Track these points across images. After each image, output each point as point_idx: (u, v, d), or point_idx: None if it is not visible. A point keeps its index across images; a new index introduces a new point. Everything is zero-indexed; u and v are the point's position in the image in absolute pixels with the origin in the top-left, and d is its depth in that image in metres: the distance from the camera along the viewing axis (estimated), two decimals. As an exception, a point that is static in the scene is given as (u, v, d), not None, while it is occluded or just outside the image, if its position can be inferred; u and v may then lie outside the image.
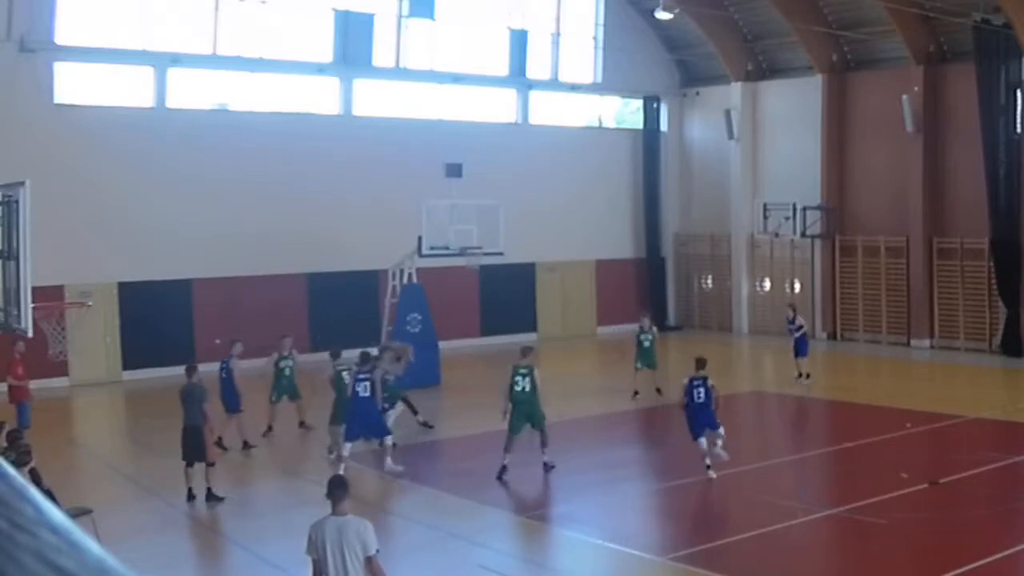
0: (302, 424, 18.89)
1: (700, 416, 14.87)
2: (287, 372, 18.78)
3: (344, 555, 7.65)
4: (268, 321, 26.53)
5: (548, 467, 15.38)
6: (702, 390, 14.95)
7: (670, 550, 12.13)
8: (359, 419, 15.35)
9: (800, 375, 23.38)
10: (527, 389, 15.30)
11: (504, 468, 15.08)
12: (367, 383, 15.42)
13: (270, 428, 18.46)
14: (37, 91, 23.74)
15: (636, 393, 21.56)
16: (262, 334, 26.49)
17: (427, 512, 13.80)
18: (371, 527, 7.90)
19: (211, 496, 14.10)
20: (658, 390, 21.40)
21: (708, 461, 14.75)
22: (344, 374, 16.22)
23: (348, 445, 15.24)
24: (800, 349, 23.50)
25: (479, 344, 29.54)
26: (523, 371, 15.44)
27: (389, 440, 15.61)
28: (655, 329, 22.85)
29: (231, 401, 17.43)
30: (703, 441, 14.80)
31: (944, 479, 14.50)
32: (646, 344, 21.77)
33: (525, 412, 15.31)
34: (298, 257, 27.02)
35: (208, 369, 23.44)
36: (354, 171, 27.79)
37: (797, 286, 31.63)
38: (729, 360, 27.30)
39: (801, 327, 23.56)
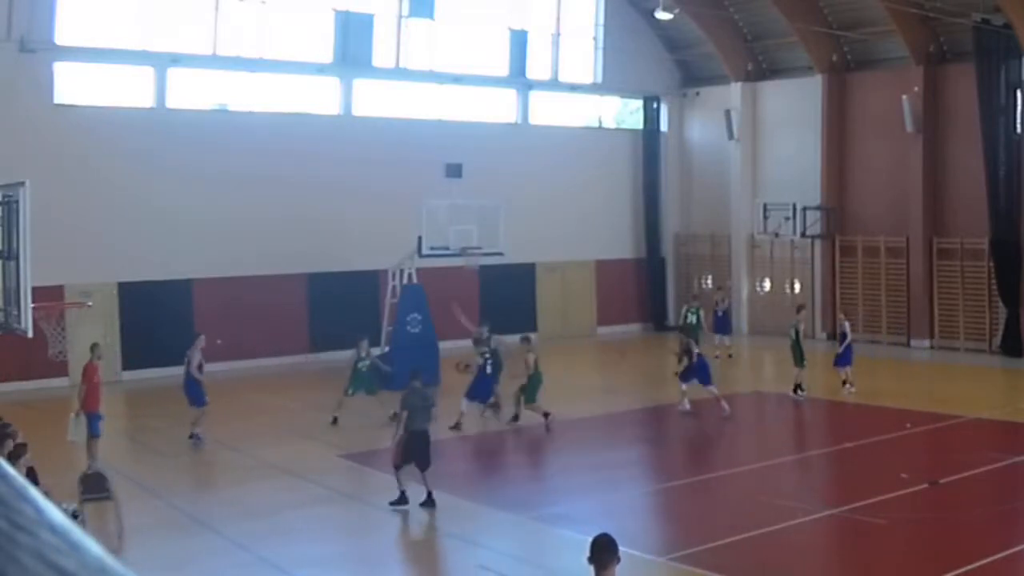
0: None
1: None
2: (363, 369, 19.78)
3: None
4: (268, 321, 26.60)
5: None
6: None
7: (670, 550, 12.12)
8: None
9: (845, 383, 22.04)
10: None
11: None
12: None
13: (335, 420, 19.31)
14: (37, 91, 23.73)
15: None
16: (262, 334, 26.70)
17: (427, 512, 13.78)
18: None
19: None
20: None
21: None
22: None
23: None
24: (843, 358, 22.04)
25: (479, 344, 29.48)
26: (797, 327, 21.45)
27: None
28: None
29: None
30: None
31: (944, 479, 14.50)
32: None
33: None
34: (298, 257, 27.01)
35: (210, 369, 23.60)
36: (354, 171, 27.76)
37: (797, 286, 31.61)
38: (729, 360, 27.25)
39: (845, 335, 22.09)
